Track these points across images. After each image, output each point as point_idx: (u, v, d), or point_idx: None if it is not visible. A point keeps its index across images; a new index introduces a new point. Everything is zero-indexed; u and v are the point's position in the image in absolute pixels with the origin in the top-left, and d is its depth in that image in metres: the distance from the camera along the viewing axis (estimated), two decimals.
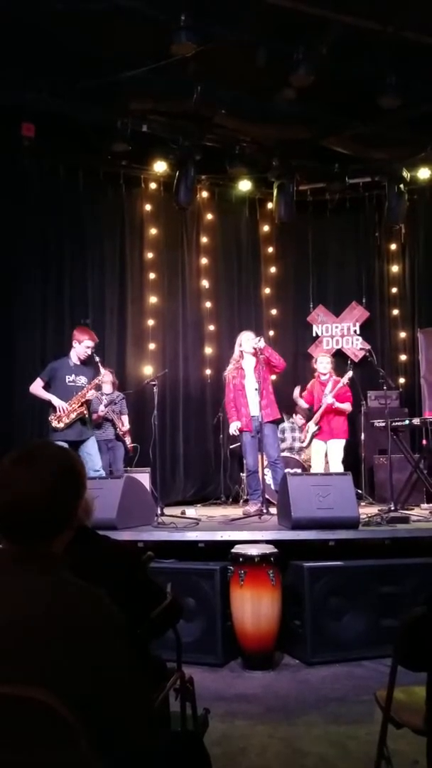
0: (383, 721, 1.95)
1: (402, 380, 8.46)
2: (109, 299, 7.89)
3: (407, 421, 6.21)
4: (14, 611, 1.17)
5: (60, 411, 5.49)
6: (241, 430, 5.97)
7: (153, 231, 8.21)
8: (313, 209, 8.52)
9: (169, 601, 2.11)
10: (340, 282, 8.79)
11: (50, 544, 1.29)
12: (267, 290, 8.77)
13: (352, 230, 8.74)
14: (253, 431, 5.83)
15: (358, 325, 8.64)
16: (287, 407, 7.60)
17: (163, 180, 7.95)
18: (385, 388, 6.47)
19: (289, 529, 4.44)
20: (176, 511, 5.97)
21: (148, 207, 8.17)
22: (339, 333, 8.67)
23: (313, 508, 4.39)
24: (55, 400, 5.53)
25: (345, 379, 6.52)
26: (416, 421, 6.13)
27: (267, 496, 6.05)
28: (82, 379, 5.67)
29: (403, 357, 8.55)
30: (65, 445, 5.33)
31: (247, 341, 6.05)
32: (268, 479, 6.41)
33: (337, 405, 6.50)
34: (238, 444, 7.62)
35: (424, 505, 6.28)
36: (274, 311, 8.71)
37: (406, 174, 7.67)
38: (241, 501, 7.20)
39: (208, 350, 8.39)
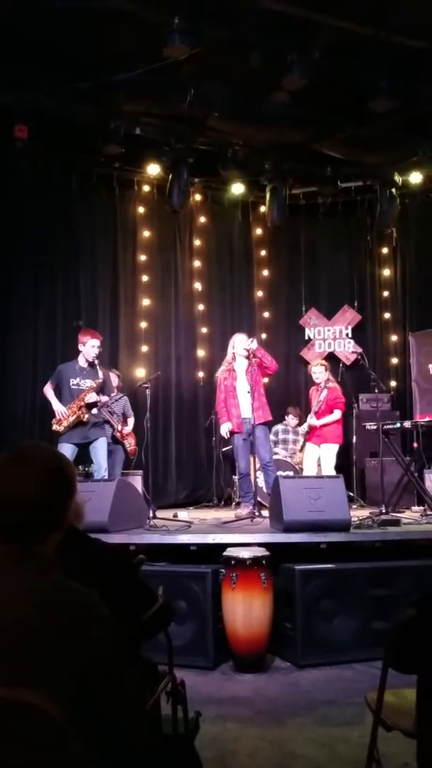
0: (374, 724, 1.95)
1: (393, 383, 8.50)
2: (101, 301, 7.89)
3: (398, 424, 6.23)
4: (5, 613, 1.17)
5: (59, 415, 5.58)
6: (232, 432, 5.96)
7: (146, 233, 8.22)
8: (305, 213, 8.55)
9: (160, 604, 2.11)
10: (333, 285, 8.83)
11: (40, 544, 1.29)
12: (259, 293, 8.79)
13: (344, 234, 8.78)
14: (245, 433, 5.83)
15: (350, 328, 8.67)
16: (279, 409, 7.62)
17: (157, 183, 7.96)
18: (376, 391, 6.51)
19: (281, 532, 4.44)
20: (168, 513, 5.96)
21: (141, 209, 8.18)
22: (331, 336, 8.70)
23: (304, 510, 4.40)
24: (55, 405, 5.62)
25: (305, 428, 6.62)
26: (407, 424, 6.15)
27: (259, 499, 6.06)
28: (86, 383, 5.70)
29: (394, 360, 8.59)
30: (72, 448, 5.40)
31: (240, 343, 6.06)
32: (260, 482, 6.41)
33: (323, 421, 6.50)
34: (230, 447, 7.63)
35: (415, 508, 6.31)
36: (266, 314, 8.73)
37: (398, 178, 7.71)
38: (233, 504, 7.20)
39: (201, 353, 8.39)
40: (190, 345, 8.39)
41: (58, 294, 7.59)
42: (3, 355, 7.08)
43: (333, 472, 6.42)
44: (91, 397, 5.64)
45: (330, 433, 6.56)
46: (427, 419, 6.09)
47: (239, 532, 4.68)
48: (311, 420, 6.52)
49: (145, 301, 8.15)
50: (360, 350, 7.53)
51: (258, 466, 5.96)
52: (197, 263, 8.54)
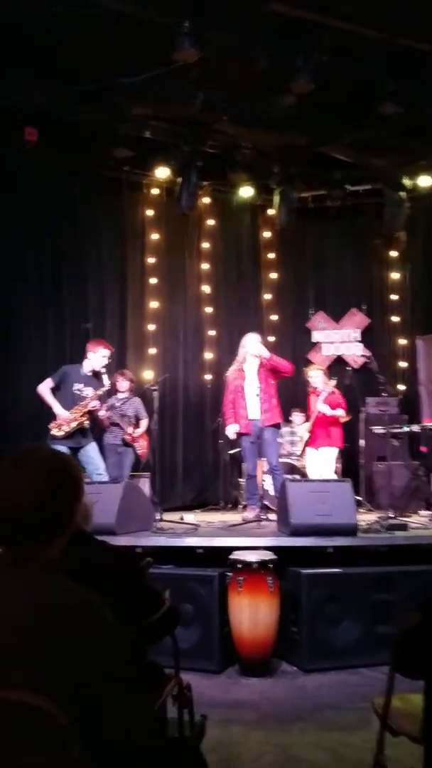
0: (380, 729, 1.95)
1: (401, 387, 8.47)
2: (109, 304, 7.92)
3: (406, 428, 6.21)
4: (7, 614, 1.17)
5: (60, 419, 5.52)
6: (240, 434, 5.91)
7: (154, 236, 8.24)
8: (313, 216, 8.55)
9: (167, 607, 2.12)
10: (341, 288, 8.82)
11: (46, 547, 1.29)
12: (267, 296, 8.80)
13: (352, 237, 8.77)
14: (253, 436, 5.77)
15: (358, 331, 8.65)
16: (285, 412, 7.60)
17: (166, 185, 7.99)
18: (384, 394, 6.48)
19: (288, 536, 4.44)
20: (175, 516, 5.97)
21: (149, 212, 8.21)
22: (339, 339, 8.68)
23: (311, 514, 4.39)
24: (57, 408, 5.56)
25: (328, 389, 6.50)
26: (415, 428, 6.14)
27: (266, 502, 6.05)
28: (88, 390, 5.68)
29: (402, 364, 8.56)
30: (64, 449, 5.40)
31: (251, 344, 5.96)
32: (268, 485, 6.40)
33: (331, 413, 6.47)
34: (238, 449, 7.63)
35: (423, 512, 6.28)
36: (274, 317, 8.73)
37: (406, 181, 7.70)
38: (240, 507, 7.20)
39: (208, 355, 8.41)
40: (198, 348, 8.41)
41: (66, 297, 7.62)
42: (11, 359, 7.10)
43: (333, 476, 6.41)
44: (94, 405, 5.64)
45: (329, 437, 6.53)
46: None
47: (246, 536, 4.68)
48: (321, 407, 6.42)
49: (153, 304, 8.18)
50: (368, 353, 7.51)
51: (265, 468, 5.94)
52: (205, 266, 8.55)
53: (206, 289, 8.53)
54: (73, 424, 5.52)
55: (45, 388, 5.67)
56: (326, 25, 5.30)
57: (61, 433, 5.48)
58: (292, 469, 7.08)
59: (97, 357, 5.72)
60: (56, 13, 5.06)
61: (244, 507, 7.02)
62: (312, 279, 8.81)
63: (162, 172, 7.67)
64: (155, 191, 8.16)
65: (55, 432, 5.49)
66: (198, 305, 8.48)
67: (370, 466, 7.44)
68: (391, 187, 7.75)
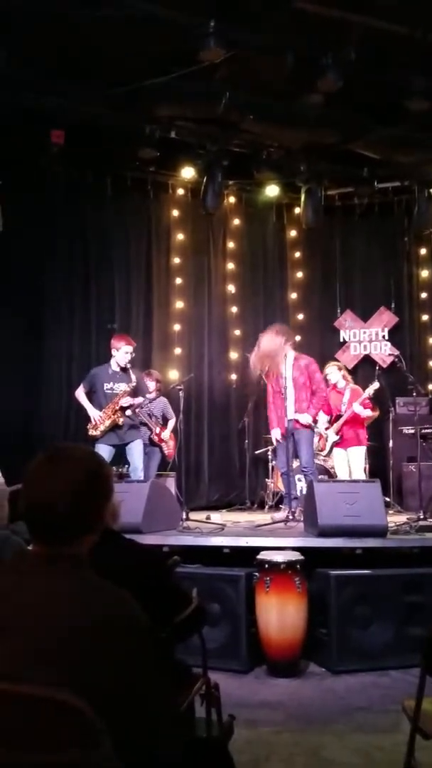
0: (411, 732, 1.93)
1: (431, 387, 8.36)
2: (135, 304, 7.98)
3: None
4: (40, 612, 1.18)
5: (94, 420, 5.69)
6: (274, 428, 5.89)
7: (180, 236, 8.27)
8: (341, 214, 8.49)
9: (194, 606, 2.12)
10: (369, 287, 8.73)
11: (77, 545, 1.30)
12: (293, 295, 8.76)
13: (380, 235, 8.68)
14: (286, 433, 5.68)
15: (386, 330, 8.56)
16: None
17: (191, 186, 8.01)
18: (414, 394, 6.40)
19: (316, 537, 4.41)
20: (201, 516, 5.98)
21: (175, 212, 8.24)
22: (367, 338, 8.60)
23: (339, 515, 4.36)
24: (90, 410, 5.74)
25: (370, 391, 6.43)
26: None
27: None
28: (120, 387, 5.79)
29: None
30: (109, 449, 5.47)
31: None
32: (301, 485, 6.36)
33: (366, 413, 6.42)
34: (264, 450, 7.62)
35: None
36: (300, 316, 8.69)
37: None
38: (267, 507, 7.18)
39: (234, 355, 8.40)
40: (223, 347, 8.41)
41: (93, 297, 7.71)
42: (39, 358, 7.22)
43: (363, 475, 6.36)
44: (126, 401, 5.71)
45: (357, 436, 6.50)
46: None
47: (273, 536, 4.66)
48: (357, 408, 6.36)
49: (179, 304, 8.20)
50: (397, 353, 7.42)
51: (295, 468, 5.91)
52: (231, 266, 8.55)
53: (231, 288, 8.53)
54: (107, 422, 5.67)
55: (79, 393, 5.87)
56: (354, 21, 5.25)
57: (97, 432, 5.67)
58: (319, 469, 7.03)
59: (120, 353, 5.83)
60: (83, 15, 5.10)
61: (271, 507, 7.02)
62: (339, 277, 8.74)
63: (187, 172, 7.69)
64: (180, 191, 8.18)
65: (92, 432, 5.69)
66: (223, 305, 8.48)
67: (399, 467, 7.35)
68: (420, 184, 7.65)
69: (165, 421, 6.78)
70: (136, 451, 5.83)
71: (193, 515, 5.59)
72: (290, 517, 5.44)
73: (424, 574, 4.14)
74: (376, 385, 6.41)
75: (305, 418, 5.69)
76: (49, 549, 1.27)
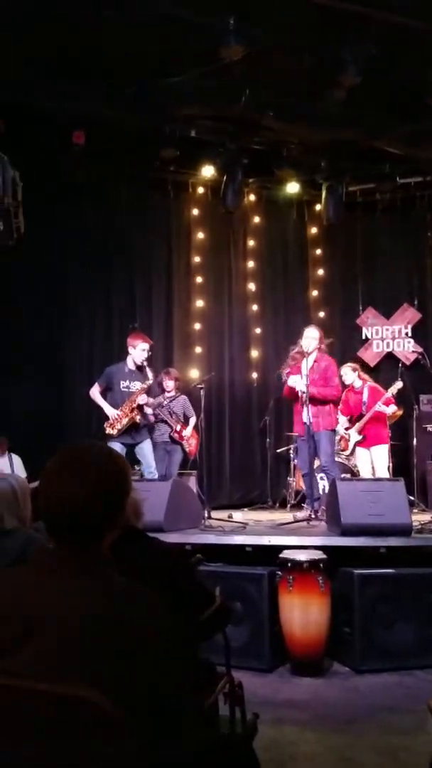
0: None
1: None
2: (156, 303, 8.01)
3: None
4: (63, 611, 1.18)
5: (112, 419, 5.71)
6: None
7: (200, 235, 8.28)
8: (362, 210, 8.42)
9: (218, 604, 2.12)
10: (391, 283, 8.65)
11: (97, 544, 1.30)
12: (314, 293, 8.72)
13: (403, 230, 8.58)
14: (305, 436, 5.60)
15: (409, 327, 8.48)
16: None
17: (211, 184, 8.01)
18: None
19: (339, 536, 4.39)
20: (223, 514, 5.99)
21: (195, 211, 8.25)
22: (390, 335, 8.52)
23: (363, 514, 4.33)
24: (107, 409, 5.75)
25: (393, 390, 6.37)
26: None
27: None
28: (136, 385, 5.83)
29: None
30: (121, 447, 5.52)
31: (307, 340, 5.73)
32: (323, 484, 6.33)
33: (390, 411, 6.38)
34: (285, 448, 7.61)
35: None
36: (321, 314, 8.63)
37: None
38: (289, 506, 7.16)
39: (254, 353, 8.39)
40: (244, 346, 8.41)
41: (113, 297, 7.76)
42: (61, 357, 7.29)
43: (387, 473, 6.30)
44: (142, 398, 5.74)
45: (379, 435, 6.46)
46: None
47: (295, 535, 4.65)
48: (380, 408, 6.31)
49: (199, 303, 8.22)
50: (420, 349, 7.36)
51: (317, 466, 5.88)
52: (251, 264, 8.54)
53: (252, 287, 8.52)
54: (125, 421, 5.70)
55: (94, 392, 5.88)
56: (374, 17, 5.20)
57: (115, 431, 5.69)
58: (341, 468, 6.99)
59: (137, 351, 5.85)
60: (104, 16, 5.12)
61: (293, 506, 7.00)
62: (361, 274, 8.66)
63: (207, 171, 7.70)
64: (200, 190, 8.19)
65: (109, 431, 5.71)
66: (244, 303, 8.48)
67: (423, 465, 7.28)
68: None
69: (186, 419, 6.79)
70: (147, 450, 5.89)
71: (215, 514, 5.60)
72: (313, 515, 5.42)
73: None
74: (399, 384, 6.35)
75: (300, 385, 5.55)
76: (70, 547, 1.28)
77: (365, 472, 6.51)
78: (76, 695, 1.10)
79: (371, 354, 8.48)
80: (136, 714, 1.11)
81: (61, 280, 7.34)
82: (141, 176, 7.72)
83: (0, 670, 1.10)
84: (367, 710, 3.36)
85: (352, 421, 6.59)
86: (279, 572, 4.01)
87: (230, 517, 5.88)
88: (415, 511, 6.34)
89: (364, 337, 8.61)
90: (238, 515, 6.09)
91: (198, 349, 8.14)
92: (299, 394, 5.62)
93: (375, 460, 6.46)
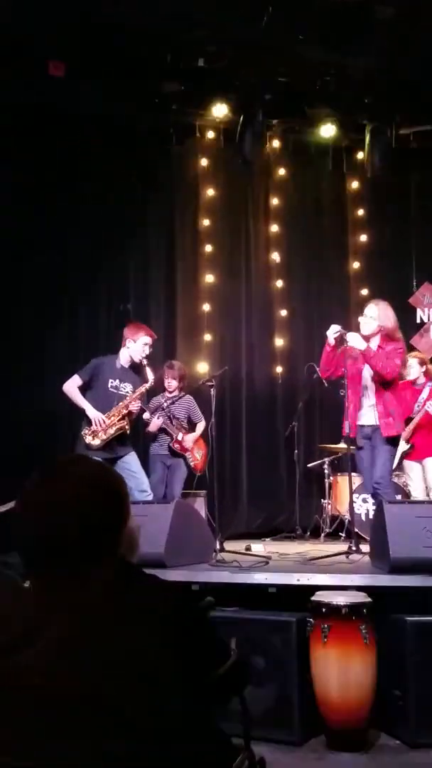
0: None
1: None
2: (153, 279, 8.04)
3: None
4: (46, 668, 1.20)
5: (96, 424, 5.58)
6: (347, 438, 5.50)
7: (210, 192, 8.28)
8: (417, 159, 8.39)
9: (234, 660, 2.11)
10: None
11: (85, 579, 1.31)
12: (355, 264, 8.71)
13: None
14: (358, 440, 5.45)
15: None
16: None
17: (224, 127, 8.02)
18: None
19: (386, 573, 4.37)
20: (239, 545, 5.99)
21: (203, 162, 8.27)
22: None
23: (418, 546, 4.30)
24: (91, 410, 5.62)
25: (426, 387, 6.35)
26: None
27: (357, 530, 5.97)
28: (126, 387, 5.76)
29: None
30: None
31: (365, 320, 5.47)
32: (360, 507, 6.33)
33: None
34: (319, 462, 7.59)
35: None
36: (364, 291, 8.59)
37: None
38: (323, 535, 7.15)
39: (279, 341, 8.38)
40: (266, 332, 8.42)
41: (102, 272, 7.76)
42: (40, 348, 7.14)
43: None
44: (136, 406, 5.70)
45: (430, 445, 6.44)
46: None
47: (331, 572, 4.63)
48: (429, 408, 6.29)
49: (209, 277, 8.22)
50: None
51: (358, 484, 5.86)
52: (275, 228, 8.53)
53: (276, 257, 8.51)
54: (111, 431, 5.58)
55: (72, 387, 5.71)
56: None
57: (97, 441, 5.55)
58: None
59: (137, 346, 5.78)
60: None
61: (328, 535, 6.99)
62: (415, 241, 8.63)
63: (219, 110, 7.68)
64: (210, 135, 8.20)
65: (89, 440, 5.56)
66: (266, 278, 8.48)
67: None
68: None
69: (192, 425, 6.79)
70: (135, 464, 5.77)
71: (229, 545, 5.60)
72: (353, 548, 5.40)
73: None
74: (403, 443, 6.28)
75: (358, 342, 5.26)
76: (51, 583, 1.29)
77: (418, 492, 6.49)
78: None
79: (428, 342, 8.45)
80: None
81: (26, 247, 7.09)
82: (135, 117, 7.69)
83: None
84: None
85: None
86: (311, 619, 4.00)
87: (248, 549, 5.89)
88: None
89: (418, 321, 8.61)
90: (259, 547, 6.10)
91: (207, 337, 8.14)
92: (350, 373, 5.35)
93: (429, 476, 6.43)
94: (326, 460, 7.42)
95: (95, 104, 7.33)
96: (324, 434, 7.89)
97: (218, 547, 5.27)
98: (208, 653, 2.06)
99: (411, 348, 8.45)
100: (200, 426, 6.79)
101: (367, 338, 5.35)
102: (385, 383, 5.33)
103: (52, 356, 7.24)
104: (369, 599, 3.98)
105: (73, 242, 7.50)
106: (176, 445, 6.61)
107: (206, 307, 8.19)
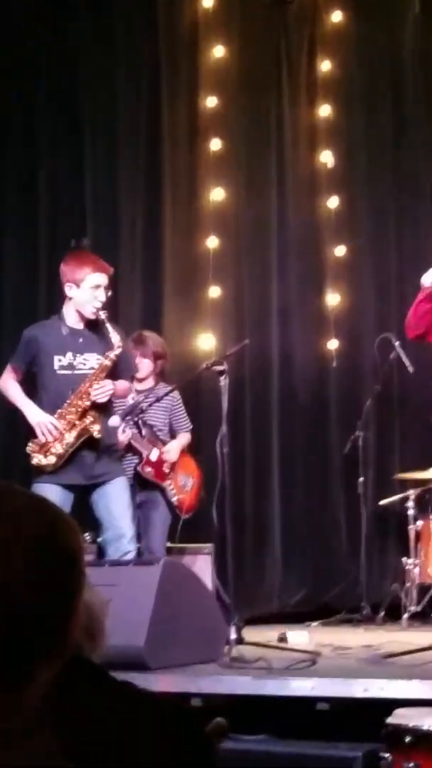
0: None
1: None
2: (126, 195, 8.04)
3: None
4: None
5: (43, 433, 5.69)
6: None
7: (218, 51, 8.27)
8: None
9: None
10: None
11: (17, 689, 1.31)
12: None
13: None
14: None
15: None
16: None
17: None
18: None
19: None
20: (268, 634, 6.01)
21: (205, 2, 8.24)
22: None
23: None
24: (32, 413, 5.77)
25: None
26: None
27: None
28: (87, 361, 5.81)
29: None
30: (60, 494, 5.55)
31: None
32: None
33: None
34: (400, 496, 7.58)
35: None
36: None
37: None
38: (405, 617, 7.15)
39: (333, 299, 8.37)
40: (311, 283, 8.44)
41: (43, 188, 7.83)
42: None
43: None
44: (104, 389, 5.73)
45: None
46: None
47: (421, 677, 4.65)
48: None
49: (216, 193, 8.22)
50: None
51: None
52: (325, 110, 8.52)
53: (326, 158, 8.48)
54: (70, 438, 5.68)
55: (6, 383, 5.94)
56: None
57: (51, 459, 5.70)
58: None
59: (83, 292, 5.85)
60: None
61: (414, 616, 7.00)
62: None
63: None
64: None
65: (39, 459, 5.71)
66: (311, 195, 8.50)
67: None
68: None
69: (172, 435, 6.86)
70: (118, 498, 5.89)
71: (251, 633, 5.61)
72: None
73: None
74: None
75: None
76: None
77: None
78: None
79: None
80: None
81: None
82: None
83: None
84: None
85: None
86: (386, 754, 4.02)
87: (283, 639, 5.91)
88: None
89: None
90: (299, 636, 6.12)
91: (214, 291, 8.15)
92: None
93: None
94: (411, 494, 7.40)
95: None
96: (407, 452, 7.91)
97: (233, 636, 5.30)
98: None
99: None
100: (182, 438, 6.87)
101: None
102: None
103: None
104: None
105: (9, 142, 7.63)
106: (147, 469, 6.61)
107: (212, 242, 8.19)
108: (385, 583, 7.70)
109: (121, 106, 8.10)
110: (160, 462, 6.68)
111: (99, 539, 6.10)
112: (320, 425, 8.34)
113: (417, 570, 7.32)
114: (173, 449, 6.79)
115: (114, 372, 5.88)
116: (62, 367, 5.81)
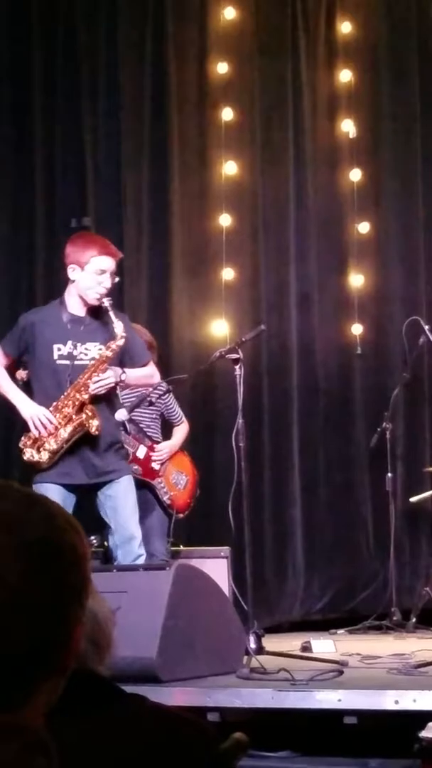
0: None
1: None
2: (130, 170, 8.05)
3: None
4: None
5: (36, 427, 5.69)
6: None
7: (228, 13, 8.27)
8: None
9: None
10: None
11: (16, 708, 1.30)
12: None
13: None
14: None
15: None
16: None
17: None
18: None
19: None
20: (291, 642, 6.03)
21: None
22: None
23: None
24: (25, 405, 5.77)
25: None
26: None
27: None
28: (89, 351, 5.81)
29: None
30: (59, 493, 5.54)
31: None
32: None
33: None
34: (429, 494, 7.57)
35: None
36: None
37: None
38: None
39: (356, 280, 8.35)
40: (332, 266, 8.45)
41: (34, 155, 7.86)
42: None
43: None
44: (104, 381, 5.73)
45: None
46: None
47: None
48: None
49: (229, 168, 8.22)
50: None
51: None
52: (346, 75, 8.51)
53: (348, 127, 8.48)
54: (65, 434, 5.68)
55: None
56: None
57: (45, 456, 5.67)
58: None
59: (87, 276, 5.81)
60: None
61: None
62: None
63: None
64: None
65: (31, 454, 5.70)
66: (332, 167, 8.50)
67: None
68: None
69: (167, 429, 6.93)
70: (124, 499, 5.88)
71: (271, 641, 5.61)
72: None
73: None
74: None
75: None
76: None
77: None
78: None
79: None
80: None
81: None
82: None
83: None
84: None
85: None
86: None
87: (306, 647, 5.91)
88: None
89: None
90: (325, 644, 6.12)
91: (228, 273, 8.16)
92: None
93: None
94: None
95: None
96: None
97: (252, 645, 5.31)
98: None
99: None
100: (178, 433, 6.89)
101: None
102: None
103: None
104: None
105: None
106: (134, 467, 6.61)
107: (225, 219, 8.20)
108: (417, 587, 7.69)
109: (130, 73, 8.12)
110: (147, 459, 6.67)
111: (106, 542, 6.10)
112: (344, 417, 8.35)
113: None
114: (165, 448, 6.79)
115: (120, 363, 5.86)
116: (61, 357, 5.78)
